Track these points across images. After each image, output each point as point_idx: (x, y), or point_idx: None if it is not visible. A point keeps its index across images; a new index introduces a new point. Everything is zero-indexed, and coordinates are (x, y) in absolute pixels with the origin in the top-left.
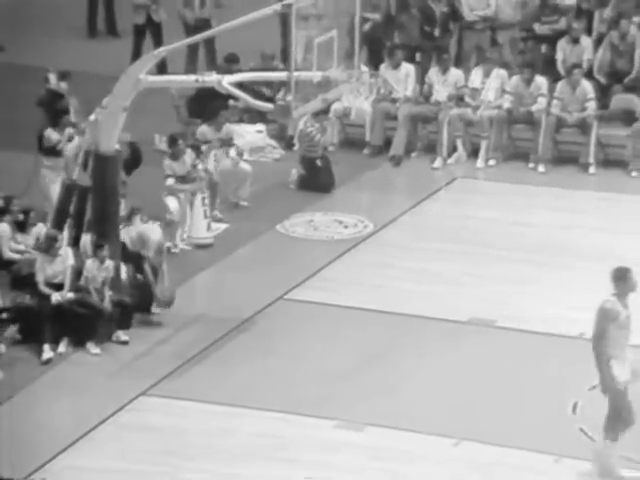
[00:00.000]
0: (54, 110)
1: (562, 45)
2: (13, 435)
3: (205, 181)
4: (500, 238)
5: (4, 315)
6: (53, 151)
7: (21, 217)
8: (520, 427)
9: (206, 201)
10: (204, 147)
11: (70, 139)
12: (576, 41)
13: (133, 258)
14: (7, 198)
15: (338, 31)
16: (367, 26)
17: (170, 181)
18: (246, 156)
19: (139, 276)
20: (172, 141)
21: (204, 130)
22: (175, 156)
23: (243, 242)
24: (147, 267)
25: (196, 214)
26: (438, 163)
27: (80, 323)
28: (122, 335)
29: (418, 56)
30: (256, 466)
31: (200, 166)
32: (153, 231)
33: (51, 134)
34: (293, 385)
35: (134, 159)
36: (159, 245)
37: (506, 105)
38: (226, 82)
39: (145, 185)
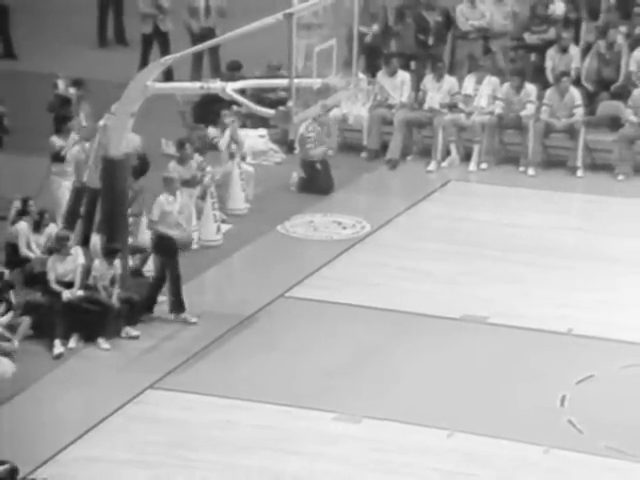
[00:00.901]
0: (59, 116)
1: (551, 54)
2: (25, 426)
3: (214, 185)
4: (492, 239)
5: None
6: (58, 157)
7: (36, 218)
8: (511, 419)
9: (216, 205)
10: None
11: (74, 144)
12: (565, 50)
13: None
14: (24, 200)
15: (337, 40)
16: (368, 38)
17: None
18: (249, 159)
19: (146, 274)
20: (180, 145)
21: (212, 132)
22: (182, 160)
23: (245, 242)
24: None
25: (206, 217)
26: (433, 166)
27: (90, 319)
28: (132, 331)
29: (413, 64)
30: (258, 457)
31: (209, 168)
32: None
33: (55, 141)
34: (294, 379)
35: (141, 167)
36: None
37: (497, 111)
38: (230, 89)
39: (151, 188)
